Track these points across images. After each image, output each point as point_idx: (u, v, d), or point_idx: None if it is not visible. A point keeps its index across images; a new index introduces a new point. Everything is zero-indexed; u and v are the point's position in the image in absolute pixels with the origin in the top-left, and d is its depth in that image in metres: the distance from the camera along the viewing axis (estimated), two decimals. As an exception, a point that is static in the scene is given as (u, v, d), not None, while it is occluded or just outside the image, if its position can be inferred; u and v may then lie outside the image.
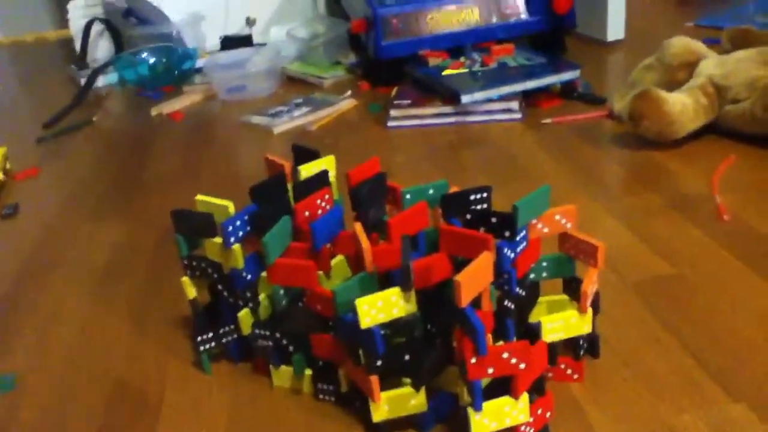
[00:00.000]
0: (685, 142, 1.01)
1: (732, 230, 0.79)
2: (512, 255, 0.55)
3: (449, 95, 1.22)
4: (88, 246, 0.95)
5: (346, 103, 1.37)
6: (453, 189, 0.63)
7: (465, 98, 1.19)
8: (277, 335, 0.61)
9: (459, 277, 0.46)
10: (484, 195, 0.59)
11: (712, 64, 1.02)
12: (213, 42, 1.85)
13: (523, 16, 1.43)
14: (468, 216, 0.56)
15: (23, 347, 0.74)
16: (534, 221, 0.57)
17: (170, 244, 0.92)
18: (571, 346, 0.58)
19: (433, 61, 1.35)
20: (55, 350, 0.72)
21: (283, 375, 0.63)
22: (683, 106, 0.96)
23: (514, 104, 1.20)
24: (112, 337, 0.73)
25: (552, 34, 1.46)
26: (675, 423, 0.53)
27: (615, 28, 1.53)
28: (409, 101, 1.25)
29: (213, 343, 0.66)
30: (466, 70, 1.29)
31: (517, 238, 0.55)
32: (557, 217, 0.57)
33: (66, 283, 0.86)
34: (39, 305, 0.81)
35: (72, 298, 0.82)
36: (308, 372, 0.62)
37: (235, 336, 0.66)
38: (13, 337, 0.76)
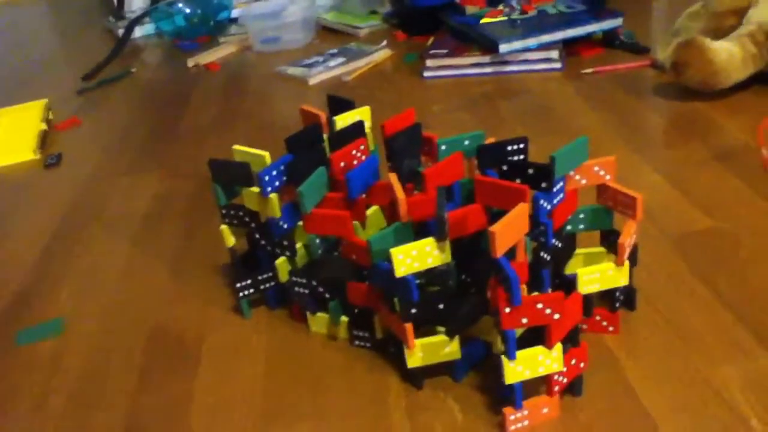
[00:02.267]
0: (731, 93, 0.97)
1: (777, 183, 0.77)
2: (548, 206, 0.54)
3: (487, 44, 1.20)
4: (128, 195, 0.96)
5: (382, 54, 1.36)
6: (489, 140, 0.62)
7: (503, 47, 1.16)
8: (314, 283, 0.62)
9: (494, 228, 0.46)
10: (521, 146, 0.58)
11: (763, 11, 0.97)
12: (248, -9, 1.84)
13: (565, -39, 1.38)
14: (504, 167, 0.56)
15: (68, 293, 0.76)
16: (571, 173, 0.56)
17: (207, 193, 0.93)
18: (607, 298, 0.58)
19: (471, 8, 1.32)
20: (98, 296, 0.75)
21: (319, 321, 0.64)
22: (730, 55, 0.93)
23: (554, 53, 1.17)
24: (153, 284, 0.75)
25: (594, -20, 1.41)
26: (711, 376, 0.53)
27: (661, -27, 1.48)
28: (445, 51, 1.23)
29: (251, 290, 0.67)
30: (505, 18, 1.26)
31: (554, 190, 0.54)
32: (596, 169, 0.57)
33: (107, 231, 0.88)
34: (81, 253, 0.84)
35: (113, 246, 0.84)
36: (344, 319, 0.63)
37: (273, 283, 0.67)
38: (57, 284, 0.78)
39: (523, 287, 0.54)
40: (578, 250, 0.62)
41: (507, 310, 0.47)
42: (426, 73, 1.23)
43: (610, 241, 0.60)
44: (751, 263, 0.65)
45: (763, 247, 0.67)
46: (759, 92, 0.98)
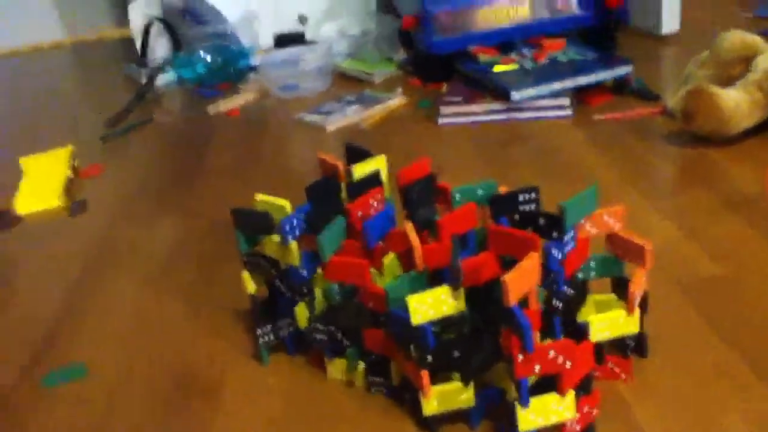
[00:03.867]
0: (739, 140, 0.99)
1: (787, 230, 0.78)
2: (560, 255, 0.56)
3: (499, 92, 1.23)
4: (149, 241, 0.99)
5: (397, 100, 1.39)
6: (502, 189, 0.64)
7: (515, 95, 1.19)
8: (332, 329, 0.64)
9: (506, 278, 0.47)
10: (533, 195, 0.60)
11: (769, 59, 1.00)
12: (267, 40, 1.89)
13: (575, 10, 1.42)
14: (516, 216, 0.58)
15: (90, 337, 0.78)
16: (582, 221, 0.58)
17: (227, 237, 0.96)
18: (618, 345, 0.59)
19: (484, 57, 1.35)
20: (120, 340, 0.77)
21: (337, 367, 0.66)
22: (737, 103, 0.95)
23: (565, 101, 1.20)
24: (172, 328, 0.77)
25: (604, 29, 1.44)
26: (723, 422, 0.54)
27: (670, 20, 1.51)
28: (459, 98, 1.27)
29: (271, 336, 0.69)
30: (517, 67, 1.30)
31: (565, 239, 0.56)
32: (605, 218, 0.58)
33: (129, 276, 0.90)
34: (103, 297, 0.86)
35: (134, 291, 0.86)
36: (361, 365, 0.64)
37: (292, 329, 0.69)
38: (81, 328, 0.80)
39: (536, 334, 0.56)
40: (590, 297, 0.64)
41: (520, 358, 0.48)
42: (440, 120, 1.26)
43: (620, 287, 0.62)
44: (760, 311, 0.66)
45: (773, 293, 0.68)
46: (766, 139, 0.99)
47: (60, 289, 0.90)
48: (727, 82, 1.03)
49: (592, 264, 0.61)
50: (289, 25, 1.92)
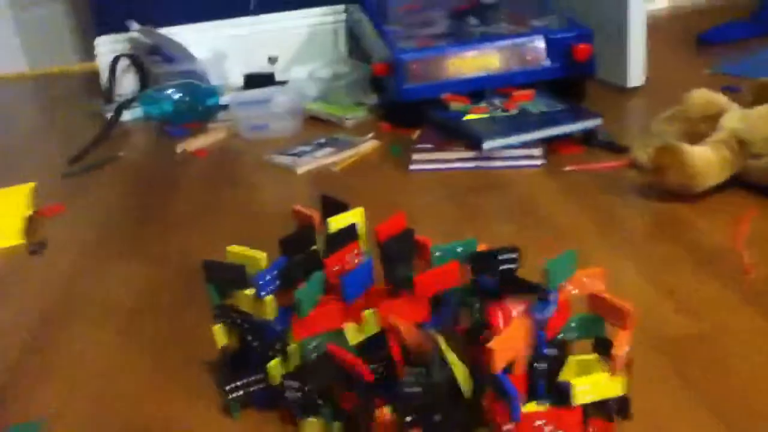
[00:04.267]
0: (708, 195, 1.01)
1: (757, 286, 0.79)
2: (543, 317, 0.55)
3: (471, 140, 1.23)
4: (114, 285, 0.96)
5: (369, 144, 1.39)
6: (481, 247, 0.64)
7: (486, 144, 1.20)
8: (306, 388, 0.62)
9: (492, 344, 0.46)
10: (513, 255, 0.60)
11: (735, 118, 1.03)
12: (236, 79, 1.88)
13: (543, 62, 1.45)
14: (499, 279, 0.57)
15: (51, 390, 0.75)
16: (563, 282, 0.58)
17: (194, 284, 0.93)
18: (601, 407, 0.58)
19: (455, 105, 1.37)
20: (82, 394, 0.73)
21: (311, 428, 0.63)
22: (707, 160, 0.97)
23: (536, 151, 1.21)
24: (138, 381, 0.74)
25: (572, 81, 1.48)
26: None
27: (635, 74, 1.55)
28: (431, 145, 1.27)
29: (241, 392, 0.66)
30: (488, 116, 1.31)
31: (549, 300, 0.55)
32: (585, 280, 0.58)
33: (92, 324, 0.87)
34: (65, 346, 0.83)
35: (97, 340, 0.83)
36: (337, 425, 0.62)
37: (263, 385, 0.67)
38: (39, 380, 0.77)
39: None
40: (571, 357, 0.63)
41: (506, 427, 0.47)
42: (412, 166, 1.26)
43: (602, 347, 0.61)
44: (739, 370, 0.66)
45: (750, 354, 0.68)
46: (735, 194, 1.02)
47: (19, 335, 0.86)
48: (695, 138, 1.05)
49: (573, 324, 0.61)
50: (259, 66, 1.92)
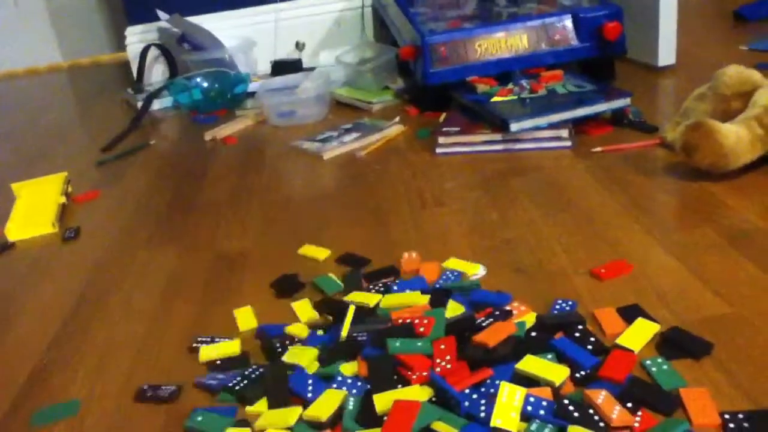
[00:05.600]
0: (739, 174, 0.99)
1: (790, 268, 0.77)
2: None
3: (497, 123, 1.22)
4: (145, 271, 0.98)
5: (395, 129, 1.39)
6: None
7: (514, 126, 1.19)
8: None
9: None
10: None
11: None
12: (264, 66, 1.90)
13: (573, 42, 1.42)
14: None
15: (84, 373, 0.76)
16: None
17: (223, 269, 0.94)
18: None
19: (482, 87, 1.35)
20: (114, 377, 0.75)
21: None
22: (738, 138, 0.95)
23: (564, 132, 1.20)
24: (169, 364, 0.75)
25: (602, 61, 1.45)
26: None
27: (666, 53, 1.52)
28: (457, 128, 1.26)
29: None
30: (515, 97, 1.30)
31: None
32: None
33: (125, 307, 0.89)
34: (98, 331, 0.84)
35: (130, 324, 0.85)
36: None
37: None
38: (74, 363, 0.78)
39: None
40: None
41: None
42: (438, 150, 1.25)
43: None
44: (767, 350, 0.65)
45: (780, 334, 0.67)
46: (766, 173, 0.99)
47: (54, 320, 0.88)
48: (727, 116, 1.03)
49: None
50: (286, 53, 1.93)
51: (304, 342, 0.73)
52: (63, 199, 1.23)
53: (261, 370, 0.69)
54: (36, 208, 1.20)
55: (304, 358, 0.68)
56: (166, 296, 0.90)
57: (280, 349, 0.72)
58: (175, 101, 1.80)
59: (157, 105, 1.82)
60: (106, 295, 0.92)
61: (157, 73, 1.97)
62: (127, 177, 1.38)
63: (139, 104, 1.77)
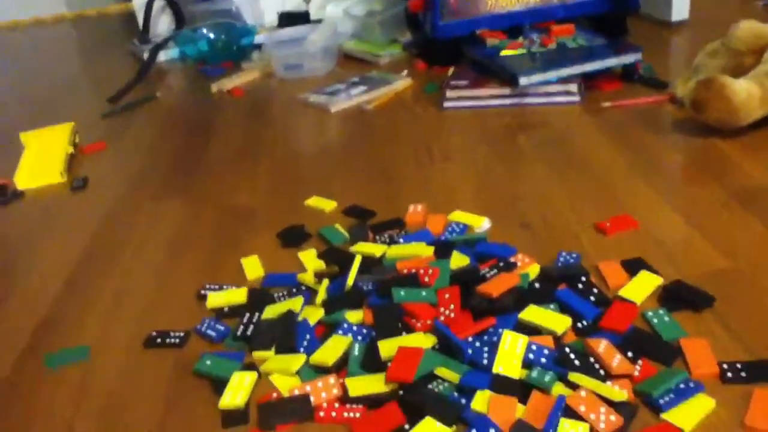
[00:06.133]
0: (749, 131, 0.98)
1: (796, 224, 0.77)
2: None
3: (506, 77, 1.21)
4: (154, 222, 0.98)
5: (403, 83, 1.38)
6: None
7: (523, 80, 1.18)
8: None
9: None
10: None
11: (781, 50, 0.98)
12: (271, 18, 1.87)
13: (585, -5, 1.40)
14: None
15: (94, 319, 0.78)
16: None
17: (231, 222, 0.95)
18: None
19: (491, 41, 1.34)
20: (124, 323, 0.76)
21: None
22: (748, 95, 0.94)
23: (573, 87, 1.19)
24: (177, 311, 0.77)
25: (614, 15, 1.43)
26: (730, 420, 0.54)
27: (679, 8, 1.49)
28: (465, 82, 1.25)
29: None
30: (525, 51, 1.28)
31: None
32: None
33: (132, 258, 0.90)
34: (108, 279, 0.86)
35: (138, 273, 0.86)
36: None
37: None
38: (84, 309, 0.80)
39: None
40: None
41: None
42: (446, 104, 1.24)
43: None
44: (766, 304, 0.65)
45: (782, 289, 0.67)
46: (777, 131, 0.99)
47: (63, 268, 0.89)
48: (739, 72, 1.02)
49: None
50: (294, 4, 1.90)
51: (305, 295, 0.74)
52: (71, 149, 1.23)
53: (267, 318, 0.70)
54: (44, 157, 1.20)
55: (308, 310, 0.70)
56: (174, 246, 0.91)
57: (281, 299, 0.73)
58: (182, 52, 1.78)
59: (163, 56, 1.80)
60: (115, 245, 0.93)
61: (163, 24, 1.95)
62: (134, 129, 1.38)
63: (145, 55, 1.76)
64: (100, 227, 0.99)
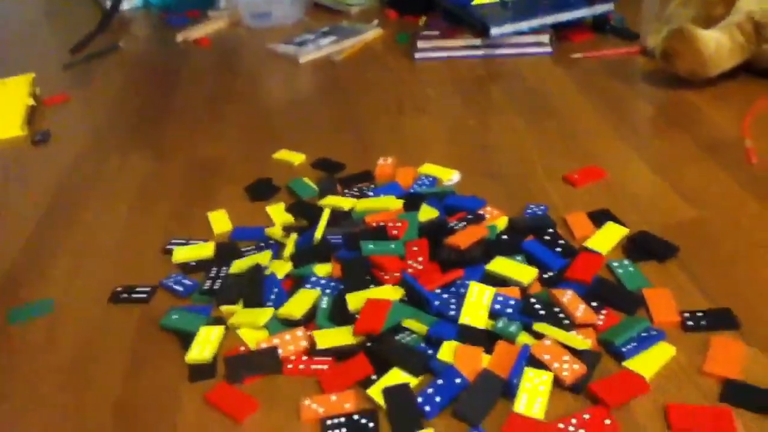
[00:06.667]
0: (718, 82, 0.99)
1: (760, 175, 0.78)
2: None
3: (478, 27, 1.19)
4: (119, 175, 0.96)
5: (373, 33, 1.35)
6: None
7: (494, 31, 1.16)
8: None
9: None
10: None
11: (751, 0, 0.98)
12: (238, -35, 1.81)
13: (558, -57, 1.37)
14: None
15: (59, 272, 0.76)
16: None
17: (198, 175, 0.93)
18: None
19: (463, -10, 1.31)
20: (90, 277, 0.75)
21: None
22: (718, 45, 0.94)
23: (545, 38, 1.18)
24: (143, 266, 0.76)
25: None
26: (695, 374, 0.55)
27: (653, -43, 1.47)
28: (437, 33, 1.23)
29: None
30: (497, 1, 1.26)
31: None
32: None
33: (98, 211, 0.88)
34: (72, 232, 0.84)
35: (104, 227, 0.84)
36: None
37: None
38: (49, 263, 0.78)
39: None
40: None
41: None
42: (417, 55, 1.23)
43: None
44: (734, 256, 0.66)
45: (745, 240, 0.68)
46: (745, 82, 0.99)
47: (26, 223, 0.87)
48: (710, 22, 1.01)
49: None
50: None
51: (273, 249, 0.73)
52: (31, 101, 1.20)
53: (233, 272, 0.69)
54: (2, 110, 1.16)
55: (276, 264, 0.69)
56: (140, 200, 0.89)
57: (248, 253, 0.73)
58: (146, 0, 1.73)
59: (126, 4, 1.74)
60: (79, 199, 0.92)
61: (125, -30, 1.88)
62: (97, 80, 1.34)
63: (108, 3, 1.70)
64: (63, 181, 0.97)
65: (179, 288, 0.69)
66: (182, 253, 0.74)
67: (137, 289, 0.71)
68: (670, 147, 0.86)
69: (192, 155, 0.99)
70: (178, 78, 1.29)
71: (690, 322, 0.58)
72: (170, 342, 0.64)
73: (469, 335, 0.57)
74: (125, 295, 0.70)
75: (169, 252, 0.76)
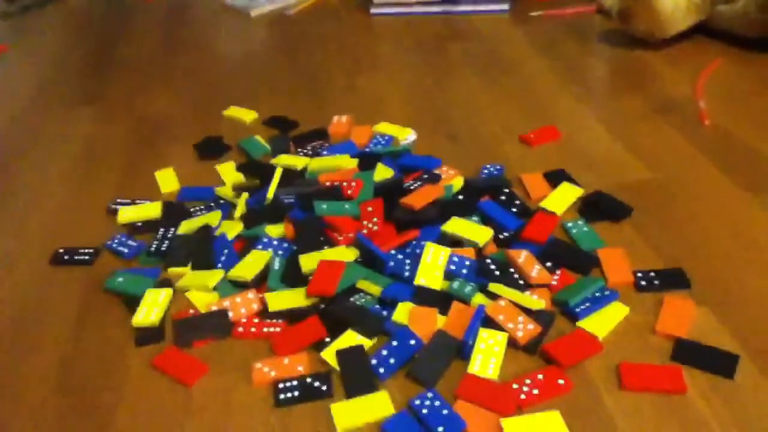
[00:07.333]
0: (674, 42, 0.99)
1: (712, 136, 0.79)
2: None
3: (436, -17, 1.17)
4: (61, 132, 0.92)
5: (328, -13, 1.31)
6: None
7: (452, -14, 1.14)
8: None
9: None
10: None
11: (709, -40, 0.98)
12: None
13: None
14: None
15: (2, 229, 0.73)
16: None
17: (143, 132, 0.90)
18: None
19: (421, -56, 1.28)
20: (29, 239, 0.72)
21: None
22: (675, 5, 0.94)
23: (503, -5, 1.16)
24: (87, 228, 0.73)
25: None
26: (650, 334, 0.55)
27: None
28: (394, -13, 1.20)
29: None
30: (455, -44, 1.23)
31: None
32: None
33: (38, 171, 0.84)
34: (11, 193, 0.80)
35: (47, 185, 0.81)
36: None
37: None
38: (-13, 224, 0.75)
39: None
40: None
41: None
42: (373, 10, 1.20)
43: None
44: (686, 217, 0.67)
45: (698, 200, 0.69)
46: (699, 43, 0.99)
47: (-41, 183, 0.83)
48: (667, -18, 1.01)
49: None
50: None
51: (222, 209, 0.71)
52: (-35, 53, 1.13)
53: (182, 233, 0.67)
54: (-66, 62, 1.10)
55: (227, 225, 0.67)
56: (84, 159, 0.86)
57: (197, 213, 0.70)
58: (89, -51, 1.64)
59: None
60: (19, 157, 0.87)
61: None
62: (38, 32, 1.27)
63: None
64: (4, 136, 0.92)
65: (124, 249, 0.67)
66: (128, 214, 0.72)
67: (80, 251, 0.68)
68: (625, 107, 0.86)
69: (138, 111, 0.95)
70: (124, 31, 1.23)
71: (643, 282, 0.58)
72: (116, 305, 0.62)
73: (424, 296, 0.56)
74: (67, 257, 0.67)
75: (114, 212, 0.73)
